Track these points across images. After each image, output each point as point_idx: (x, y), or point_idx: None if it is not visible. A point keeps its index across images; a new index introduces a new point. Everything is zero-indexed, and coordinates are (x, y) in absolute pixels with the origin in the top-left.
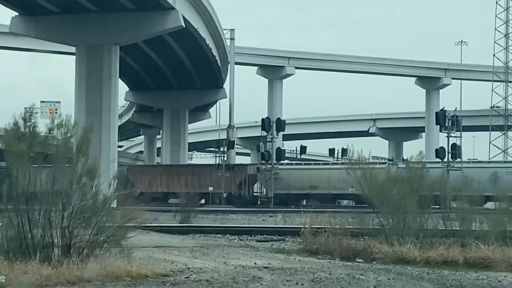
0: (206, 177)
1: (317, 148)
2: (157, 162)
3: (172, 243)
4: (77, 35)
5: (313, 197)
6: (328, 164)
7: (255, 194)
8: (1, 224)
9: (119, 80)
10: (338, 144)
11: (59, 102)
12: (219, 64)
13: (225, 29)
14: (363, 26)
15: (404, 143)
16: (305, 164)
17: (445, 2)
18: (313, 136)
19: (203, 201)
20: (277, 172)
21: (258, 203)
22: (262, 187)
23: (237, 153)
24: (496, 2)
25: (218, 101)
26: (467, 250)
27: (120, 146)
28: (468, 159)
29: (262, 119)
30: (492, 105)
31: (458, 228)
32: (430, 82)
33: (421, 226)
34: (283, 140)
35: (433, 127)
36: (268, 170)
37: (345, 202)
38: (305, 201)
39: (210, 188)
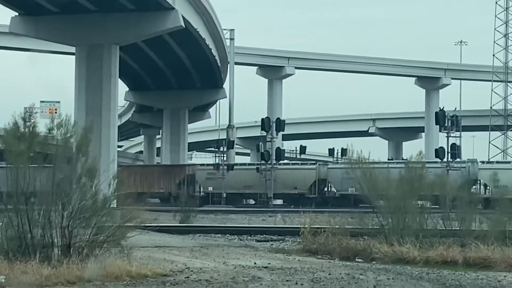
0: (153, 177)
1: (317, 148)
2: (157, 162)
3: (172, 243)
4: (77, 35)
5: (248, 196)
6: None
7: (194, 194)
8: (1, 224)
9: (119, 80)
10: (338, 144)
11: (59, 102)
12: (219, 64)
13: (225, 29)
14: (363, 26)
15: (403, 143)
16: (240, 164)
17: (445, 2)
18: (313, 136)
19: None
20: (214, 172)
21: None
22: (201, 186)
23: (237, 153)
24: (496, 2)
25: (218, 101)
26: (466, 250)
27: (120, 146)
28: (403, 159)
29: (262, 119)
30: (492, 105)
31: (457, 228)
32: (430, 82)
33: (421, 226)
34: (282, 140)
35: (432, 127)
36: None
37: (278, 201)
38: (244, 200)
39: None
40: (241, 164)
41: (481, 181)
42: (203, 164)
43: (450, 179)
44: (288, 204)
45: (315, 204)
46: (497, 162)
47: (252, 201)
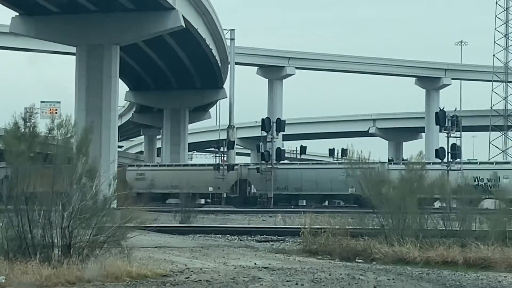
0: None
1: (317, 148)
2: (157, 162)
3: (172, 244)
4: (77, 35)
5: (174, 196)
6: (187, 165)
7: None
8: (1, 224)
9: (119, 80)
10: (338, 144)
11: (59, 102)
12: (219, 64)
13: (225, 29)
14: (363, 26)
15: (404, 143)
16: (167, 165)
17: (445, 2)
18: (313, 136)
19: None
20: (143, 173)
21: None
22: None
23: (237, 153)
24: (496, 2)
25: (218, 101)
26: (467, 250)
27: (120, 146)
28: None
29: (262, 119)
30: (492, 105)
31: (458, 228)
32: (430, 82)
33: (421, 226)
34: (283, 140)
35: (433, 127)
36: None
37: (203, 201)
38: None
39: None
40: (168, 165)
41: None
42: (132, 165)
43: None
44: (211, 203)
45: (238, 204)
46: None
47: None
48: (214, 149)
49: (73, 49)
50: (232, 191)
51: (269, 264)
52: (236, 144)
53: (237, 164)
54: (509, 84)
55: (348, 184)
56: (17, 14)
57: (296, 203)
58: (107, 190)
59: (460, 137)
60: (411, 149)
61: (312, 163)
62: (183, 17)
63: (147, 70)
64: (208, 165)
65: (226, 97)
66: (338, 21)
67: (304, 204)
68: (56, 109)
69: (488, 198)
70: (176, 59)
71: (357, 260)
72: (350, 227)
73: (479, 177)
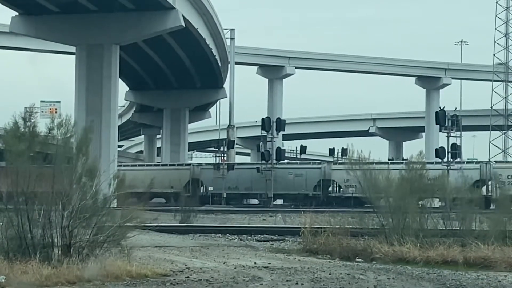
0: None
1: (317, 148)
2: (157, 162)
3: (172, 243)
4: (77, 35)
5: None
6: (150, 165)
7: None
8: (1, 224)
9: (119, 79)
10: (338, 144)
11: (59, 102)
12: (219, 63)
13: (225, 29)
14: (363, 26)
15: (404, 143)
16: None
17: (445, 2)
18: (313, 136)
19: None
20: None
21: None
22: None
23: (237, 153)
24: (496, 2)
25: (218, 101)
26: (467, 250)
27: (120, 146)
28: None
29: (262, 119)
30: (492, 105)
31: (458, 228)
32: (430, 82)
33: (421, 226)
34: (283, 140)
35: (433, 127)
36: None
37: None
38: None
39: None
40: (132, 165)
41: (335, 181)
42: None
43: None
44: (166, 202)
45: (190, 203)
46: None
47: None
48: (214, 149)
49: (73, 49)
50: (185, 190)
51: (269, 263)
52: (236, 144)
53: (189, 164)
54: (509, 83)
55: (296, 183)
56: (17, 13)
57: (246, 201)
58: (107, 189)
59: (460, 136)
60: (411, 148)
61: (265, 163)
62: (183, 16)
63: (147, 69)
64: (170, 164)
65: (226, 97)
66: (338, 21)
67: (257, 203)
68: (56, 109)
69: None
70: (176, 59)
71: (357, 259)
72: (350, 226)
73: None
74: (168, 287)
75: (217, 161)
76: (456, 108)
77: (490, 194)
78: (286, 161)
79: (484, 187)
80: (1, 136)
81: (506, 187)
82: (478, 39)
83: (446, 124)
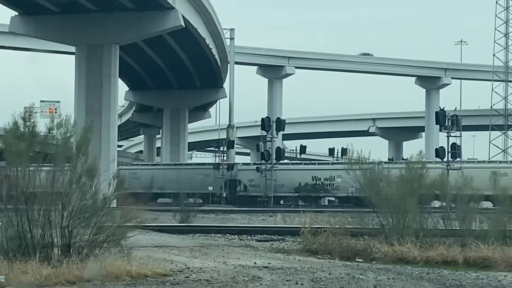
0: None
1: (317, 148)
2: (156, 162)
3: (171, 243)
4: (77, 35)
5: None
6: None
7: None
8: (1, 224)
9: (119, 79)
10: (338, 143)
11: (59, 101)
12: (219, 63)
13: (225, 29)
14: (363, 26)
15: (404, 142)
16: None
17: (445, 2)
18: (313, 136)
19: None
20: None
21: None
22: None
23: (237, 153)
24: (496, 2)
25: (218, 100)
26: (467, 250)
27: (120, 146)
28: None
29: (262, 119)
30: (492, 105)
31: (458, 228)
32: (430, 82)
33: (421, 225)
34: (283, 140)
35: (433, 126)
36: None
37: None
38: None
39: None
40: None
41: (241, 181)
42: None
43: None
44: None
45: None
46: (254, 163)
47: None
48: (214, 149)
49: (73, 49)
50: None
51: (269, 263)
52: (236, 144)
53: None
54: (509, 83)
55: (205, 183)
56: (17, 13)
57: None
58: (107, 189)
59: (460, 136)
60: (411, 148)
61: (174, 164)
62: (183, 16)
63: (147, 69)
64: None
65: (226, 97)
66: (337, 21)
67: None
68: (55, 109)
69: None
70: (176, 59)
71: (357, 259)
72: (350, 226)
73: (317, 176)
74: (168, 287)
75: (217, 161)
76: (456, 108)
77: None
78: (286, 160)
79: None
80: (1, 136)
81: None
82: (478, 39)
83: (446, 124)
